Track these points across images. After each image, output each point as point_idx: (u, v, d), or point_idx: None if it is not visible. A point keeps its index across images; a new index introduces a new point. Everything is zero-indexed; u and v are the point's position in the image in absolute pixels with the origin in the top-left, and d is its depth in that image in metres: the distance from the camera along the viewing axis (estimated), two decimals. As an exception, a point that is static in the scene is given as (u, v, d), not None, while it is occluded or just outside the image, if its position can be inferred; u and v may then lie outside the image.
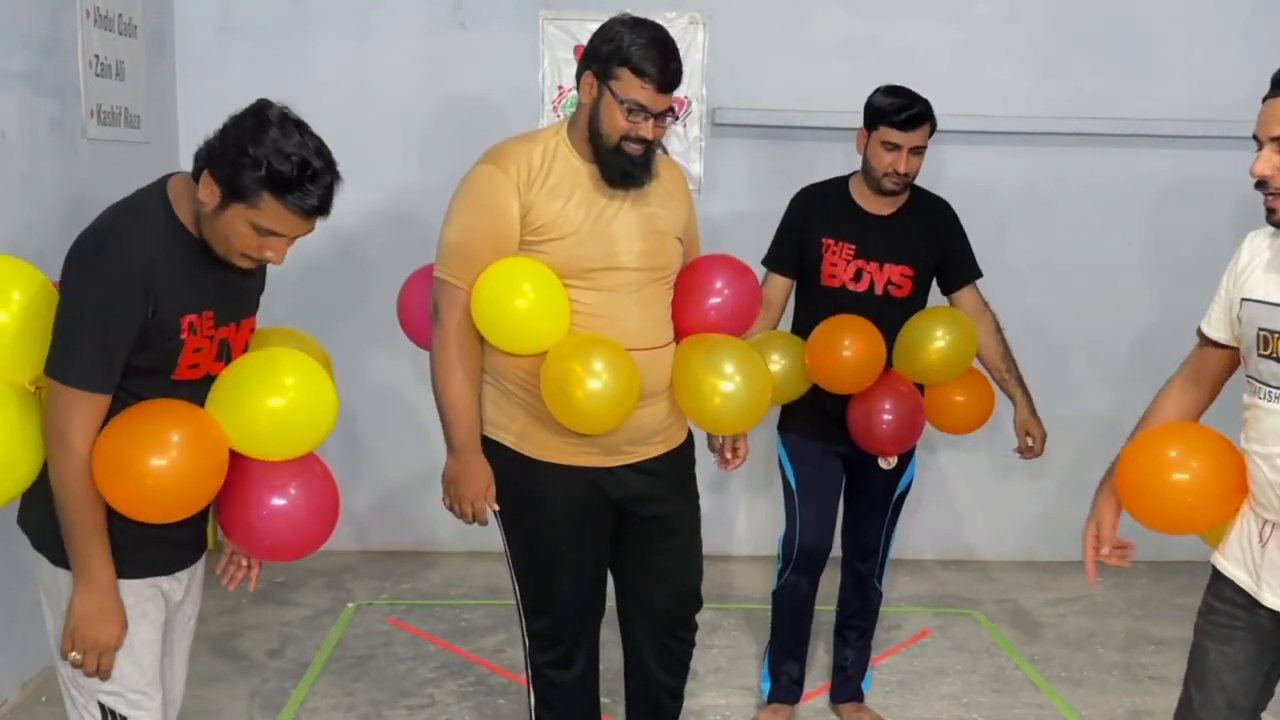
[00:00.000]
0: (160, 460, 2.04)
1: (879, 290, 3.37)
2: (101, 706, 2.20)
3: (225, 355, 2.22)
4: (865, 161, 3.38)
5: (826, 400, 3.38)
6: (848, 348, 3.23)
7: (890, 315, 3.33)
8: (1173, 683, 3.87)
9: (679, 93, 4.78)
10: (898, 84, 3.40)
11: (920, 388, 3.41)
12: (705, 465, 5.39)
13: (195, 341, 2.14)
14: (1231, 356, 2.36)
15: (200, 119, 4.79)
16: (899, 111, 3.29)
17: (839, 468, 3.54)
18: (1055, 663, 4.21)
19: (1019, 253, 4.95)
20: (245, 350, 2.30)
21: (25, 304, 2.08)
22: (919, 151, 3.33)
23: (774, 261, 3.51)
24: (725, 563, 5.10)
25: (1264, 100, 2.15)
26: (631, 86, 2.57)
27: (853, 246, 3.36)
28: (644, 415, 2.74)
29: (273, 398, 2.16)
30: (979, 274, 3.54)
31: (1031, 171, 5.04)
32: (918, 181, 3.44)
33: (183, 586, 2.35)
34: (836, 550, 3.67)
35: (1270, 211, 2.14)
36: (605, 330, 2.66)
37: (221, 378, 2.19)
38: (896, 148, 3.29)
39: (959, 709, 3.86)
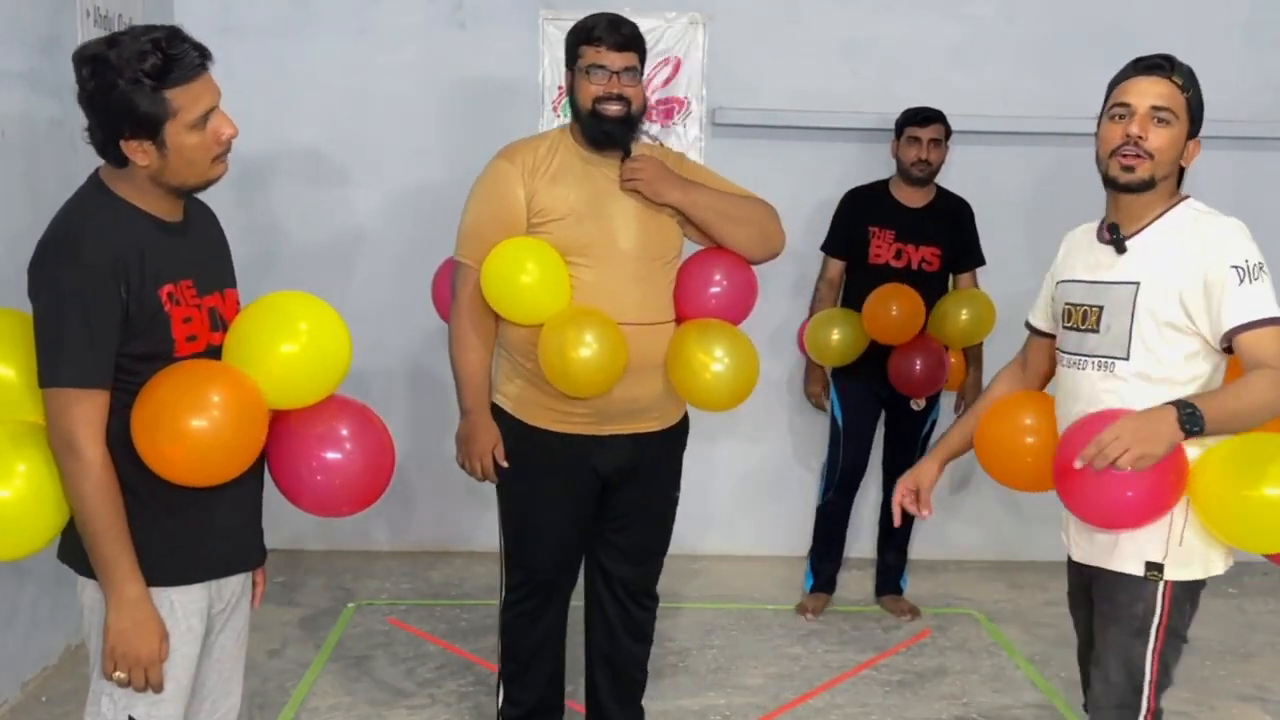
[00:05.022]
0: (198, 412, 2.01)
1: (914, 266, 4.33)
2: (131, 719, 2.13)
3: (220, 326, 2.17)
4: (898, 160, 4.38)
5: (875, 354, 4.34)
6: (895, 308, 4.20)
7: (923, 286, 4.29)
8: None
9: (678, 92, 4.88)
10: None
11: (945, 349, 4.36)
12: (711, 468, 5.38)
13: (182, 311, 2.09)
14: (1048, 348, 2.65)
15: (200, 119, 4.69)
16: (916, 114, 4.34)
17: (877, 410, 4.54)
18: (1055, 663, 4.21)
19: (1018, 251, 4.94)
20: None
21: (26, 350, 2.06)
22: (937, 144, 4.32)
23: (831, 248, 4.53)
24: (726, 563, 5.11)
25: (1126, 79, 2.39)
26: (589, 54, 2.90)
27: (893, 232, 4.36)
28: (639, 388, 2.95)
29: (287, 341, 2.15)
30: (981, 262, 4.48)
31: (1031, 171, 5.04)
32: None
33: (230, 594, 2.27)
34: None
35: (1129, 169, 2.34)
36: (602, 305, 2.88)
37: (228, 340, 2.15)
38: (917, 140, 4.31)
39: (959, 709, 3.86)
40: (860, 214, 4.41)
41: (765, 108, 4.89)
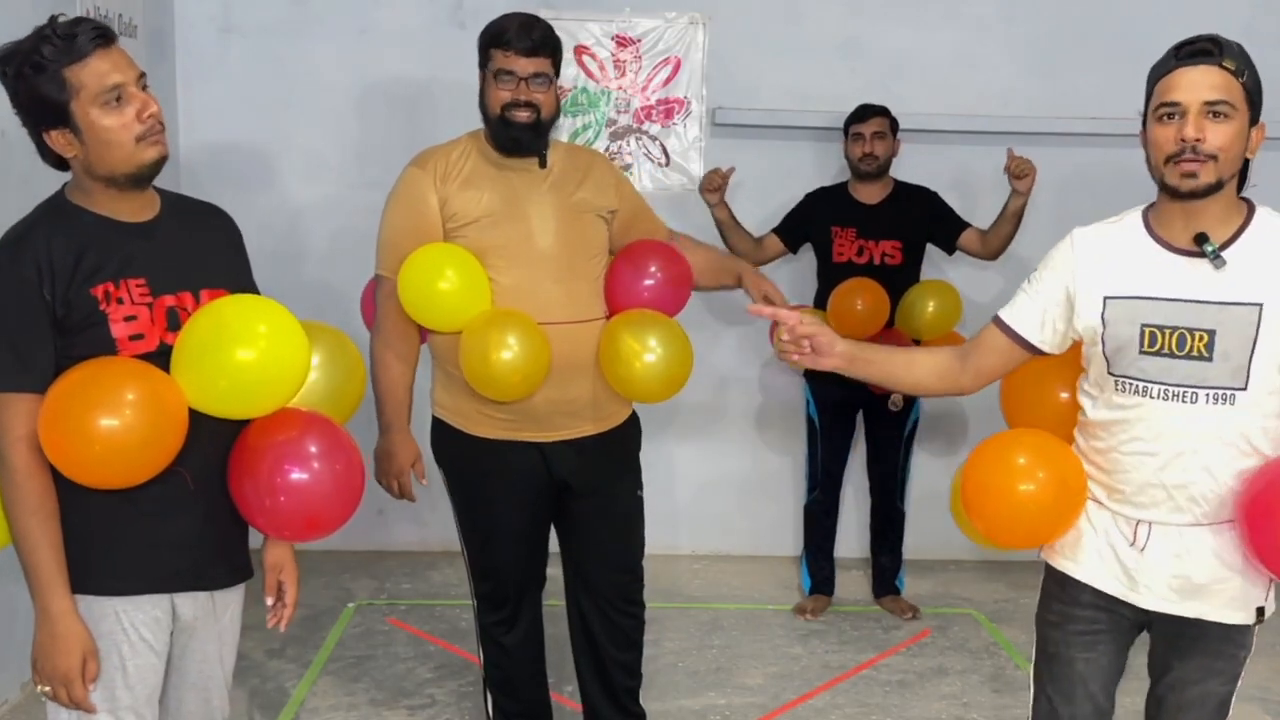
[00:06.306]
0: (98, 408, 1.93)
1: (877, 261, 4.36)
2: None
3: (178, 325, 2.07)
4: (848, 160, 4.45)
5: None
6: (860, 301, 4.22)
7: (888, 280, 4.29)
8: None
9: (678, 92, 4.87)
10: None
11: (917, 342, 4.27)
12: (710, 468, 5.37)
13: (124, 310, 2.01)
14: (1011, 357, 2.33)
15: (201, 119, 4.78)
16: (856, 111, 4.42)
17: (853, 411, 4.54)
18: (1055, 663, 4.22)
19: (1017, 252, 4.95)
20: None
21: None
22: (881, 137, 4.36)
23: (779, 230, 4.54)
24: (725, 563, 5.11)
25: (1169, 72, 2.24)
26: (498, 58, 2.85)
27: (854, 229, 4.38)
28: (574, 389, 2.93)
29: (228, 344, 2.03)
30: (967, 224, 4.42)
31: (1031, 171, 5.04)
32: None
33: (191, 613, 2.17)
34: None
35: (1191, 175, 2.10)
36: (523, 306, 2.85)
37: (177, 340, 2.05)
38: (861, 136, 4.37)
39: (959, 709, 3.86)
40: (822, 214, 4.44)
41: (765, 108, 4.89)
